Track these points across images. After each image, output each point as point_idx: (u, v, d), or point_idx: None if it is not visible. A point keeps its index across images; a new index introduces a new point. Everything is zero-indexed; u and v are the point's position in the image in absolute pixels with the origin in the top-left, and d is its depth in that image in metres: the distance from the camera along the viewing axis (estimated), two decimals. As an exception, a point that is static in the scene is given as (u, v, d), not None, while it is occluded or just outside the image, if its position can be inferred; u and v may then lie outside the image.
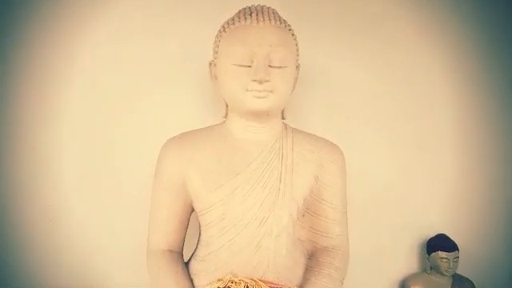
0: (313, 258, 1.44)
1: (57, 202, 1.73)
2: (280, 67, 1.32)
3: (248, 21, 1.34)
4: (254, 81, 1.29)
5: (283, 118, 1.49)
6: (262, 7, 1.40)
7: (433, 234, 1.83)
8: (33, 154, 1.71)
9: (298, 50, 1.43)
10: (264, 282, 1.26)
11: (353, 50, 1.86)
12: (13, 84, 1.71)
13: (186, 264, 1.43)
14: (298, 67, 1.45)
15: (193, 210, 1.44)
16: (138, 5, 1.76)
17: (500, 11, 1.94)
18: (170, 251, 1.41)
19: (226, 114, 1.46)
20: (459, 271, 1.80)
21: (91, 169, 1.74)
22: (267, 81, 1.29)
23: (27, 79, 1.72)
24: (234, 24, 1.36)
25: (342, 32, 1.85)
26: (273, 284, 1.26)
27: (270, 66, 1.31)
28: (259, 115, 1.36)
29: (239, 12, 1.41)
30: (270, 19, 1.34)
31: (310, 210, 1.44)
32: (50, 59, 1.73)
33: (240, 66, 1.31)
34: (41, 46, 1.72)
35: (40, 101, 1.72)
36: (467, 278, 1.81)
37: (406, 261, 1.90)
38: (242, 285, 1.22)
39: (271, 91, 1.31)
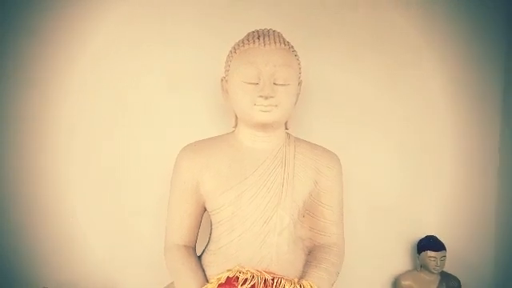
0: (312, 254, 1.57)
1: (70, 208, 1.86)
2: (284, 85, 1.46)
3: (256, 43, 1.48)
4: (261, 97, 1.43)
5: (286, 129, 1.62)
6: (269, 31, 1.54)
7: (423, 236, 1.96)
8: (51, 163, 1.84)
9: (300, 68, 1.56)
10: (268, 272, 1.39)
11: (354, 62, 1.98)
12: (34, 94, 1.83)
13: (199, 257, 1.56)
14: (300, 83, 1.58)
15: (205, 209, 1.58)
16: (152, 13, 1.88)
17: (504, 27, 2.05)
18: (185, 246, 1.55)
19: (236, 124, 1.60)
20: (447, 269, 1.93)
21: (105, 176, 1.87)
22: (272, 97, 1.43)
23: (40, 90, 1.83)
24: (243, 46, 1.50)
25: (344, 45, 1.97)
26: (275, 275, 1.39)
27: (274, 84, 1.44)
28: (265, 126, 1.50)
29: (248, 35, 1.54)
30: (275, 42, 1.48)
31: (309, 212, 1.58)
32: (59, 67, 1.83)
33: (248, 83, 1.44)
34: (49, 50, 1.82)
35: (57, 111, 1.84)
36: (454, 276, 1.94)
37: (399, 260, 2.03)
38: (249, 275, 1.35)
39: (276, 106, 1.45)
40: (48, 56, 1.84)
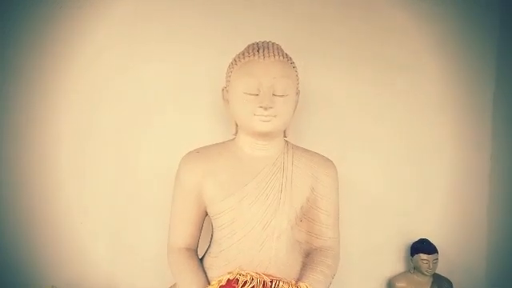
0: (309, 257, 1.62)
1: (75, 210, 1.90)
2: (282, 96, 1.51)
3: (256, 56, 1.54)
4: (261, 107, 1.48)
5: (285, 137, 1.67)
6: (268, 43, 1.59)
7: (416, 239, 2.01)
8: (53, 164, 1.88)
9: (298, 79, 1.62)
10: (267, 275, 1.44)
11: (352, 67, 2.03)
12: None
13: (201, 260, 1.62)
14: (298, 93, 1.64)
15: (206, 214, 1.63)
16: (154, 21, 1.93)
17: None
18: (188, 249, 1.61)
19: (236, 131, 1.65)
20: (439, 271, 1.98)
21: (108, 179, 1.91)
22: (271, 107, 1.48)
23: (42, 93, 1.87)
24: (244, 58, 1.55)
25: (343, 53, 2.02)
26: (274, 277, 1.45)
27: (274, 95, 1.50)
28: (264, 135, 1.55)
29: (248, 47, 1.60)
30: (274, 55, 1.54)
31: (306, 216, 1.63)
32: (60, 70, 1.87)
33: (249, 94, 1.50)
34: (48, 52, 1.86)
35: (59, 113, 1.88)
36: (446, 278, 1.99)
37: (393, 262, 2.08)
38: (248, 277, 1.41)
39: (275, 116, 1.50)
40: (48, 60, 1.88)
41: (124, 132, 1.94)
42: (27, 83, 1.88)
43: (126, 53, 1.93)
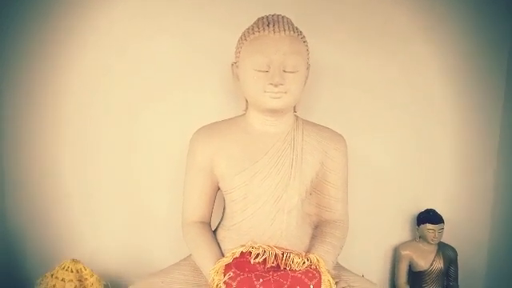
0: (318, 229, 1.67)
1: (89, 188, 1.97)
2: (293, 72, 1.50)
3: (266, 31, 1.51)
4: (271, 84, 1.48)
5: (295, 112, 1.68)
6: (278, 17, 1.56)
7: (423, 209, 2.05)
8: (68, 142, 1.94)
9: (308, 54, 1.60)
10: (278, 247, 1.50)
11: (361, 43, 2.01)
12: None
13: (214, 232, 1.67)
14: (308, 68, 1.62)
15: (219, 188, 1.67)
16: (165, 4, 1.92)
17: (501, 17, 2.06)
18: (201, 222, 1.66)
19: (246, 107, 1.65)
20: (444, 240, 2.04)
21: (122, 155, 1.96)
22: (282, 84, 1.48)
23: (58, 68, 1.89)
24: (253, 34, 1.53)
25: (352, 28, 2.00)
26: (285, 249, 1.50)
27: (284, 71, 1.49)
28: (274, 112, 1.56)
29: (258, 21, 1.57)
30: (284, 30, 1.51)
31: (316, 190, 1.67)
32: (73, 49, 1.88)
33: (259, 71, 1.49)
34: (62, 31, 1.87)
35: (73, 90, 1.91)
36: (451, 246, 2.05)
37: (400, 232, 2.14)
38: (261, 249, 1.46)
39: (285, 92, 1.50)
40: (55, 36, 1.88)
41: (137, 107, 1.95)
42: (30, 63, 1.89)
43: (133, 30, 1.91)
